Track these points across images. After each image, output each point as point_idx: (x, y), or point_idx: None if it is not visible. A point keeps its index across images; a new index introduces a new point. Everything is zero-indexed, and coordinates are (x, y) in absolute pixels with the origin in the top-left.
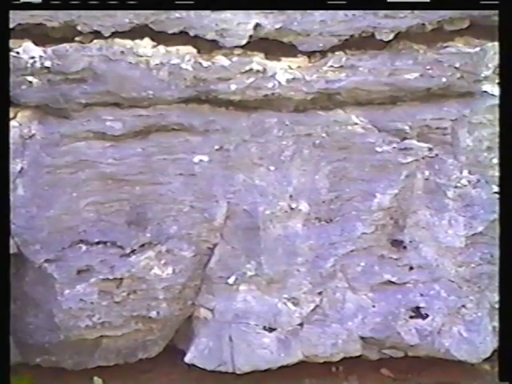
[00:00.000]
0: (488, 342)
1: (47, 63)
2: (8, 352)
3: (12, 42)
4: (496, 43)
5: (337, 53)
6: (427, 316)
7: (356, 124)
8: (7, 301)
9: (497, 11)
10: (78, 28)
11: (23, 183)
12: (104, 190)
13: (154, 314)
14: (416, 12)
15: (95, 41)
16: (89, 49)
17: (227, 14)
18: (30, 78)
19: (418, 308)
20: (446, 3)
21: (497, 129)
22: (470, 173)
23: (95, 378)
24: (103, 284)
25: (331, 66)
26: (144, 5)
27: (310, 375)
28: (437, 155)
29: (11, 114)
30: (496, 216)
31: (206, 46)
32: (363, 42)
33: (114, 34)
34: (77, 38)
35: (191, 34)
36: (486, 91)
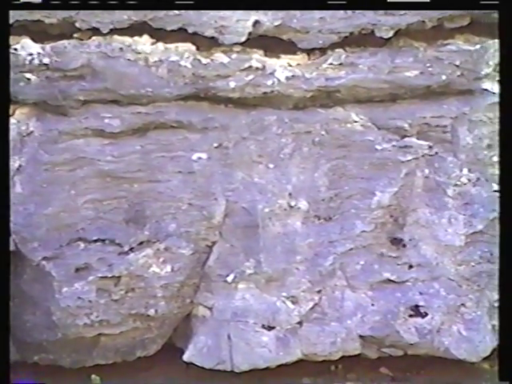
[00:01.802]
0: (487, 341)
1: (45, 60)
2: (8, 351)
3: (10, 39)
4: (497, 41)
5: (336, 50)
6: (426, 314)
7: (355, 122)
8: (7, 301)
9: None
10: (77, 25)
11: (21, 180)
12: (102, 188)
13: (152, 312)
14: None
15: (94, 37)
16: (87, 46)
17: (226, 11)
18: (28, 75)
19: (417, 306)
20: (445, 3)
21: (497, 127)
22: (469, 171)
23: (93, 377)
24: (101, 282)
25: (331, 64)
26: (143, 5)
27: (308, 374)
28: (436, 153)
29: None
30: (496, 214)
31: (205, 43)
32: (363, 40)
33: (113, 31)
34: (75, 35)
35: (190, 30)
36: (486, 89)
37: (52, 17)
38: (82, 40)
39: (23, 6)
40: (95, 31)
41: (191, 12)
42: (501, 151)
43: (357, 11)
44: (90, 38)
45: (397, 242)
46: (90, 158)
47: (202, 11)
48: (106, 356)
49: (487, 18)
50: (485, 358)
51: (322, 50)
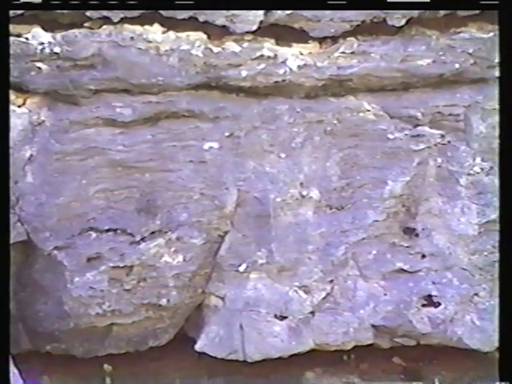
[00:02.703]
0: None
1: (56, 49)
2: (8, 351)
3: (21, 28)
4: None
5: (348, 39)
6: (439, 304)
7: (368, 111)
8: (7, 301)
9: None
10: (87, 14)
11: (32, 170)
12: (114, 177)
13: (164, 301)
14: None
15: (104, 26)
16: (98, 35)
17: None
18: (39, 64)
19: (430, 296)
20: (446, 3)
21: None
22: (482, 160)
23: (105, 366)
24: (113, 272)
25: (343, 52)
26: (143, 5)
27: (321, 363)
28: (449, 142)
29: (20, 101)
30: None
31: (217, 31)
32: (375, 28)
33: (124, 20)
34: (86, 24)
35: (201, 19)
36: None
37: None
38: (92, 29)
39: (23, 5)
40: (106, 20)
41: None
42: (501, 150)
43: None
44: (100, 27)
45: (409, 231)
46: (101, 147)
47: None
48: (118, 346)
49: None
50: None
51: (334, 39)
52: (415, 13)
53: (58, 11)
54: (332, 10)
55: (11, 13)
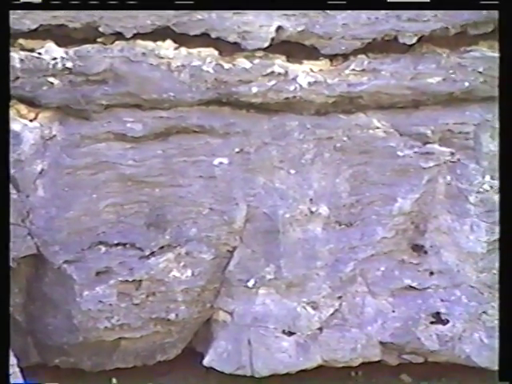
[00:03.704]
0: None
1: (69, 64)
2: (8, 352)
3: (34, 43)
4: None
5: (359, 56)
6: (448, 322)
7: (377, 128)
8: (7, 303)
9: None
10: (100, 29)
11: (43, 184)
12: (124, 192)
13: (172, 316)
14: (439, 15)
15: (117, 42)
16: (110, 50)
17: (249, 17)
18: (51, 79)
19: (438, 313)
20: (445, 3)
21: None
22: (492, 178)
23: (113, 380)
24: (122, 286)
25: (353, 70)
26: (143, 5)
27: (328, 380)
28: (459, 160)
29: (32, 115)
30: None
31: (228, 48)
32: (386, 46)
33: (136, 36)
34: (98, 39)
35: (213, 35)
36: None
37: (76, 21)
38: (105, 44)
39: (23, 5)
40: (118, 36)
41: (214, 17)
42: (501, 153)
43: (380, 17)
44: (113, 42)
45: (418, 248)
46: (112, 162)
47: (225, 16)
48: (126, 360)
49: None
50: None
51: (345, 56)
52: (426, 31)
53: (71, 26)
54: (348, 22)
55: (25, 28)
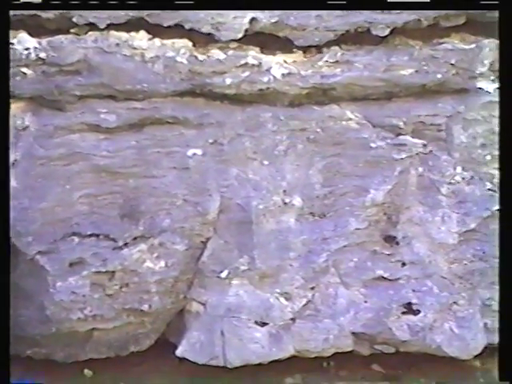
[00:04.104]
0: (479, 339)
1: (42, 55)
2: (8, 351)
3: None
4: (492, 40)
5: (332, 48)
6: (419, 312)
7: (350, 119)
8: (7, 302)
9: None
10: (74, 20)
11: (16, 175)
12: (97, 183)
13: (145, 307)
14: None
15: (90, 33)
16: (84, 41)
17: None
18: (24, 70)
19: (409, 304)
20: (445, 3)
21: (491, 125)
22: (463, 169)
23: (86, 371)
24: (95, 277)
25: (326, 61)
26: (143, 5)
27: (301, 370)
28: (431, 151)
29: None
30: (489, 213)
31: (202, 39)
32: (359, 37)
33: (110, 27)
34: (72, 30)
35: (187, 27)
36: (480, 88)
37: (49, 11)
38: (78, 35)
39: (23, 5)
40: (92, 26)
41: None
42: (501, 152)
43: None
44: (86, 33)
45: (390, 239)
46: (86, 152)
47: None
48: (99, 350)
49: (483, 18)
50: (476, 356)
51: (318, 48)
52: (399, 23)
53: (44, 16)
54: (321, 14)
55: None
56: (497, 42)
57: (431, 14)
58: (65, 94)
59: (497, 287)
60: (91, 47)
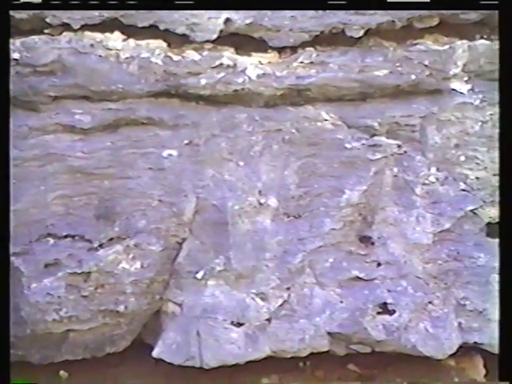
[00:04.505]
0: (453, 338)
1: (16, 55)
2: (8, 352)
3: None
4: (465, 41)
5: (307, 49)
6: (394, 312)
7: (326, 120)
8: (7, 301)
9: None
10: (47, 20)
11: None
12: (72, 184)
13: (121, 308)
14: None
15: (64, 33)
16: (58, 41)
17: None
18: None
19: (385, 304)
20: (445, 3)
21: (465, 126)
22: (437, 170)
23: (61, 373)
24: (71, 278)
25: (301, 62)
26: (143, 5)
27: (277, 370)
28: (405, 152)
29: None
30: (463, 213)
31: (177, 40)
32: (334, 39)
33: (84, 27)
34: (46, 31)
35: (161, 27)
36: (454, 89)
37: (22, 12)
38: (52, 35)
39: (23, 5)
40: (66, 27)
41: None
42: (501, 152)
43: (327, 10)
44: (60, 33)
45: (365, 239)
46: (61, 153)
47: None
48: (75, 352)
49: (456, 19)
50: (451, 355)
51: (293, 49)
52: (373, 24)
53: (18, 17)
54: (296, 15)
55: None
56: (470, 43)
57: (405, 15)
58: (39, 95)
59: (471, 287)
60: (65, 48)
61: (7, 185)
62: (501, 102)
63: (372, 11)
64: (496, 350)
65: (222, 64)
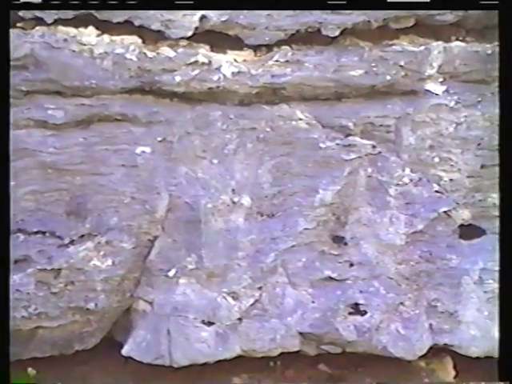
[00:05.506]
0: (424, 340)
1: None
2: (8, 351)
3: None
4: (440, 42)
5: (283, 47)
6: (366, 313)
7: (300, 119)
8: (7, 300)
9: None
10: (20, 14)
11: None
12: (44, 179)
13: (91, 305)
14: None
15: (37, 27)
16: (31, 35)
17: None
18: None
19: (356, 304)
20: (445, 3)
21: (439, 128)
22: (411, 171)
23: (29, 370)
24: (40, 274)
25: (277, 61)
26: (143, 5)
27: (247, 370)
28: (380, 153)
29: None
30: (436, 215)
31: (152, 36)
32: (309, 38)
33: (58, 22)
34: (19, 24)
35: (136, 23)
36: (429, 90)
37: None
38: (25, 29)
39: (23, 5)
40: (39, 21)
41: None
42: (501, 152)
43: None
44: (33, 27)
45: (338, 240)
46: (32, 149)
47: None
48: (43, 349)
49: (431, 20)
50: (421, 356)
51: (269, 47)
52: (349, 24)
53: None
54: (272, 13)
55: None
56: (445, 44)
57: (381, 15)
58: (11, 89)
59: (443, 288)
60: (38, 42)
61: (7, 185)
62: (501, 102)
63: (348, 10)
64: (466, 351)
65: (196, 61)
